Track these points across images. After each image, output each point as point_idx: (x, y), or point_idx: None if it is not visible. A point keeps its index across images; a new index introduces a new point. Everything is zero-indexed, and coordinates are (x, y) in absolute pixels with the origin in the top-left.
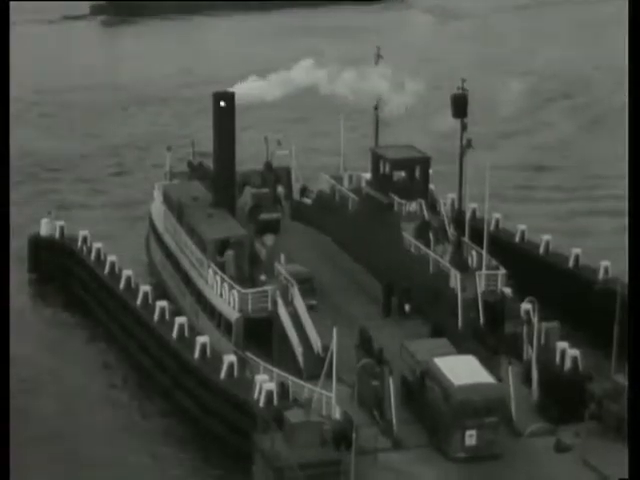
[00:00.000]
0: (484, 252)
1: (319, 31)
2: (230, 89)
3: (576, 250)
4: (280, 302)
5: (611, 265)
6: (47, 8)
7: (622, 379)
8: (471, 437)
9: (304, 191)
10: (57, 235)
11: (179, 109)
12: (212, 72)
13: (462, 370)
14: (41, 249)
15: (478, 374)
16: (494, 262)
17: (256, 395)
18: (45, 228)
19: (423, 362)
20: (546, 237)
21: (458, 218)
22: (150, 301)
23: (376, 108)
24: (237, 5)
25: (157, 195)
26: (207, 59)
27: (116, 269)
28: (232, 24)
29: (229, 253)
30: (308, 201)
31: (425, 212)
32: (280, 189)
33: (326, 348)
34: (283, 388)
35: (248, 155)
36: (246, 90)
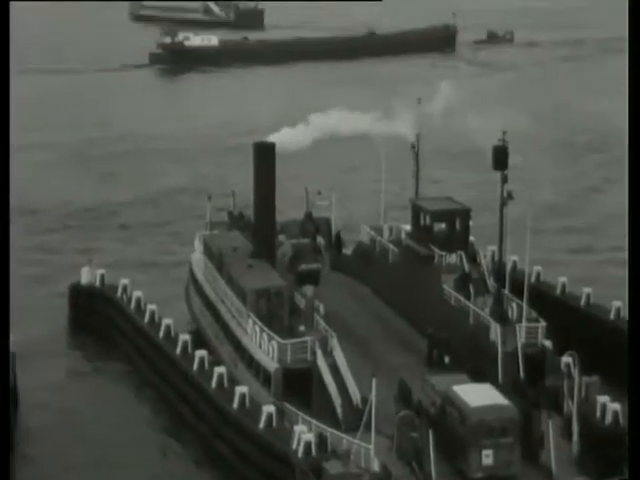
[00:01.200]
0: (524, 304)
1: (373, 82)
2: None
3: (617, 303)
4: (319, 353)
5: None
6: (106, 57)
7: None
8: (488, 457)
9: (338, 239)
10: (97, 283)
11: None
12: (264, 122)
13: (478, 394)
14: (81, 297)
15: (493, 397)
16: (534, 314)
17: (295, 445)
18: (86, 276)
19: (443, 391)
20: (587, 290)
21: (498, 270)
22: (189, 350)
23: (413, 147)
24: (291, 56)
25: (197, 245)
26: (265, 109)
27: (156, 318)
28: (289, 74)
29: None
30: (347, 252)
31: (465, 264)
32: (320, 239)
33: (365, 399)
34: (322, 439)
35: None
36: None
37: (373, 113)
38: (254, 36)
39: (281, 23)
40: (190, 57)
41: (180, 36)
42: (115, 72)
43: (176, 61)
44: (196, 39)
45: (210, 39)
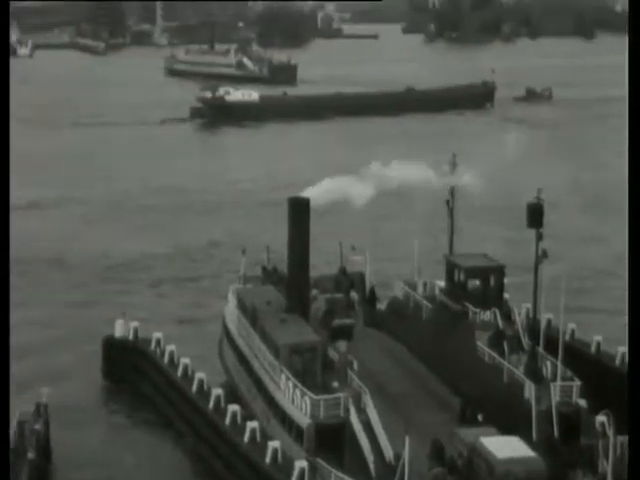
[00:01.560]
0: (559, 363)
1: (412, 137)
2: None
3: None
4: (352, 409)
5: None
6: (147, 110)
7: None
8: None
9: (372, 294)
10: (131, 337)
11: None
12: (302, 177)
13: (506, 446)
14: (115, 350)
15: (520, 449)
16: (569, 373)
17: None
18: (119, 330)
19: (470, 443)
20: (622, 349)
21: (533, 328)
22: (222, 404)
23: (448, 203)
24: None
25: (231, 298)
26: (303, 164)
27: (189, 371)
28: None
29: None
30: (381, 307)
31: (499, 321)
32: (354, 295)
33: (398, 456)
34: None
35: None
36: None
37: (429, 165)
38: (288, 91)
39: (314, 78)
40: (230, 111)
41: (221, 91)
42: (156, 126)
43: (216, 115)
44: (236, 94)
45: (250, 94)
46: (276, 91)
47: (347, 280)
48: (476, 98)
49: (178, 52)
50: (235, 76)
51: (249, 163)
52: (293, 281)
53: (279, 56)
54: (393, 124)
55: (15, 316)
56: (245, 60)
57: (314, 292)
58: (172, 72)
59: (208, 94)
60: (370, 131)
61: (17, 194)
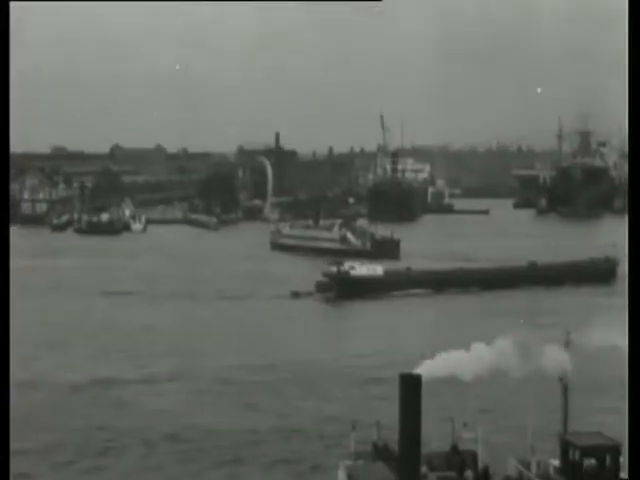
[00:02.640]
0: None
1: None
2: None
3: None
4: None
5: None
6: (258, 286)
7: None
8: None
9: (485, 473)
10: None
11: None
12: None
13: None
14: None
15: None
16: None
17: None
18: None
19: None
20: None
21: None
22: None
23: (561, 379)
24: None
25: (341, 475)
26: (422, 339)
27: None
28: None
29: None
30: None
31: None
32: (467, 474)
33: None
34: None
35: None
36: None
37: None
38: (392, 265)
39: (423, 253)
40: (355, 286)
41: (346, 265)
42: (285, 300)
43: (342, 289)
44: (362, 269)
45: (375, 269)
46: (386, 265)
47: (459, 458)
48: (600, 273)
49: (283, 227)
50: (338, 250)
51: (371, 337)
52: (404, 459)
53: (385, 231)
54: (518, 298)
55: None
56: (349, 235)
57: (424, 470)
58: (277, 246)
59: (334, 269)
60: (495, 305)
61: (132, 369)
